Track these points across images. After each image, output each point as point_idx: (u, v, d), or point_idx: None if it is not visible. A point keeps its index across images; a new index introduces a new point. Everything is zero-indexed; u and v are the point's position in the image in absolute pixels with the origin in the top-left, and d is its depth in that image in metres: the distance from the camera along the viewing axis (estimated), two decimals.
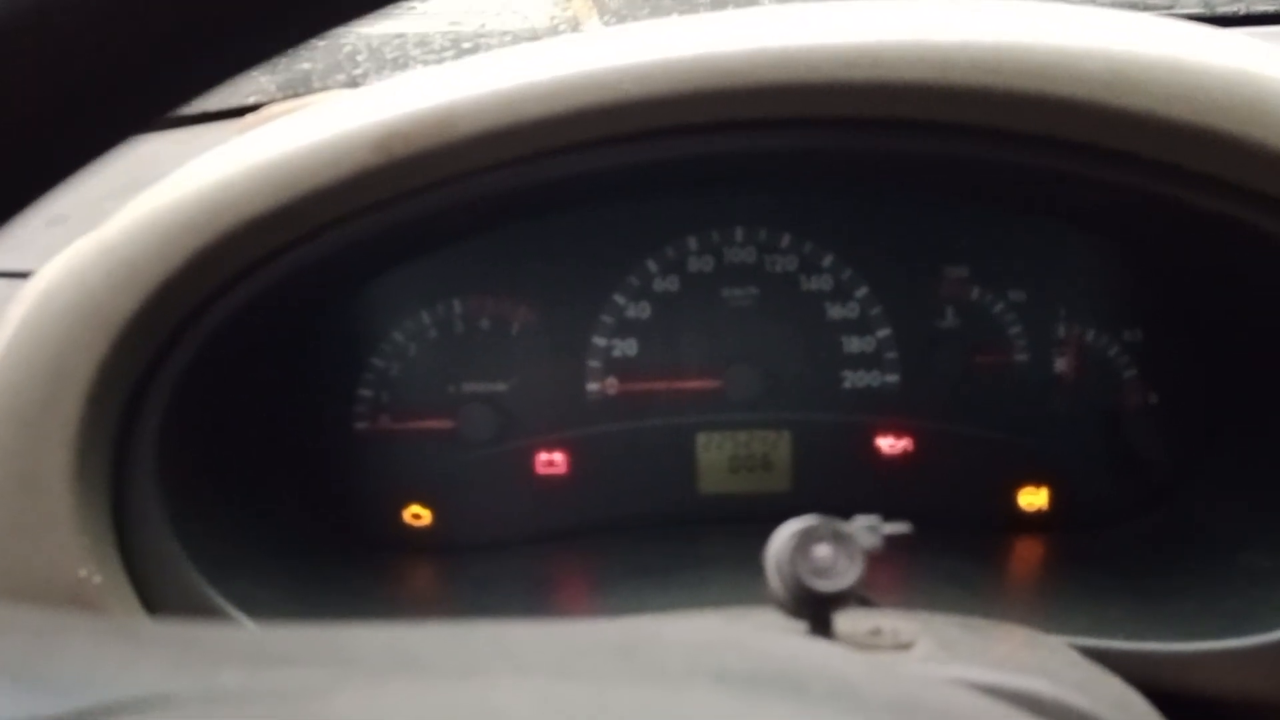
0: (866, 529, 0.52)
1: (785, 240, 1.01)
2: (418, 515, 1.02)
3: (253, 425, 0.94)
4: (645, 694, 0.32)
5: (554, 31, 1.48)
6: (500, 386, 1.02)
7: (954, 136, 0.68)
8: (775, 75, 0.64)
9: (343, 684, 0.30)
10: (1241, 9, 1.24)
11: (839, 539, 0.52)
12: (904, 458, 1.01)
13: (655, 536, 0.99)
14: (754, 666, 0.36)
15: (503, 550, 1.00)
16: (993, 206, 0.97)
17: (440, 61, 1.44)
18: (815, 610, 0.52)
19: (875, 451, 1.02)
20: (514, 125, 0.65)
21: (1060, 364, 1.00)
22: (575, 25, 1.46)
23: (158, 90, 0.30)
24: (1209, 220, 0.73)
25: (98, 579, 0.73)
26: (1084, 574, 0.89)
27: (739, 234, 1.01)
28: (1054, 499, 1.00)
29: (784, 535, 0.53)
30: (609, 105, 0.65)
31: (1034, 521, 1.00)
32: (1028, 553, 0.96)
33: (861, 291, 1.01)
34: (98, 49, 0.28)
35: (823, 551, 0.51)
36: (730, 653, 0.37)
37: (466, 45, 1.44)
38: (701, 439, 1.03)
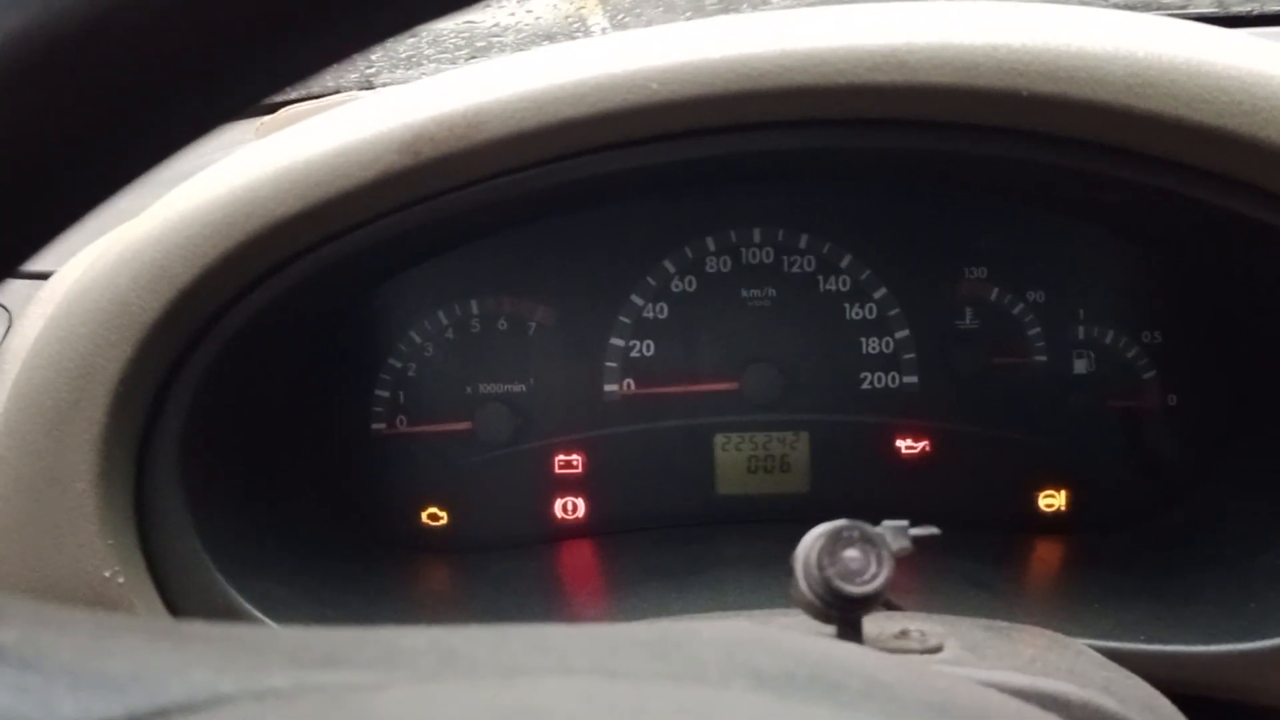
0: (894, 532, 0.52)
1: (803, 241, 1.01)
2: (435, 515, 1.03)
3: (272, 426, 0.94)
4: (686, 693, 0.32)
5: (567, 29, 1.48)
6: (517, 387, 1.03)
7: (978, 137, 0.68)
8: (802, 77, 0.65)
9: (390, 683, 0.30)
10: (1255, 9, 1.24)
11: (867, 542, 0.52)
12: (922, 459, 1.01)
13: (673, 538, 1.00)
14: (790, 667, 0.37)
15: (520, 551, 1.01)
16: (1014, 206, 0.97)
17: (454, 60, 1.44)
18: (844, 613, 0.52)
19: (894, 453, 1.02)
20: (541, 127, 0.65)
21: (1079, 365, 1.00)
22: (584, 23, 1.46)
23: (244, 84, 0.30)
24: (1227, 221, 0.73)
25: (122, 579, 0.73)
26: (1103, 575, 0.89)
27: (757, 235, 1.01)
28: (1073, 500, 1.00)
29: (812, 538, 0.53)
30: (636, 107, 0.65)
31: (1053, 522, 1.00)
32: (1047, 554, 0.96)
33: (880, 292, 1.01)
34: (188, 39, 0.28)
35: (851, 555, 0.52)
36: (765, 653, 0.37)
37: (480, 44, 1.45)
38: (719, 440, 1.03)
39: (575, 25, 1.48)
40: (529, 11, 1.55)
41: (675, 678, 0.35)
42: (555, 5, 1.54)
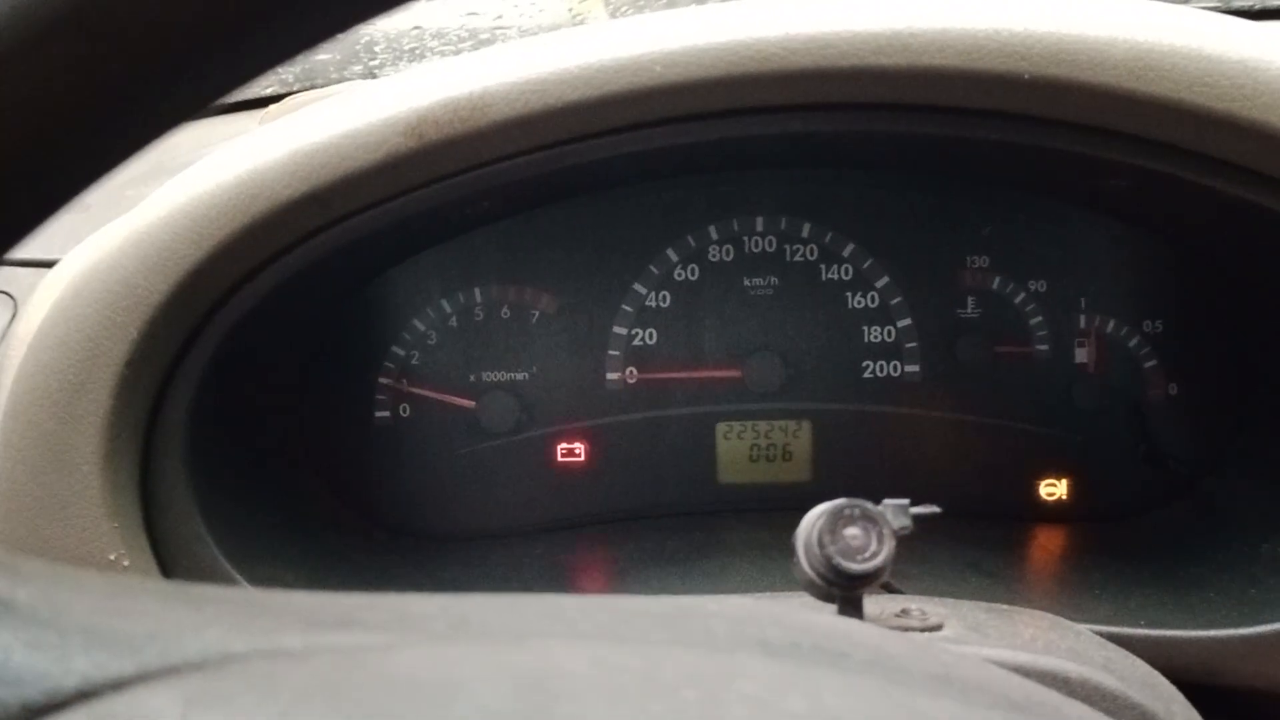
0: (895, 510, 0.53)
1: (805, 229, 1.01)
2: (438, 502, 1.03)
3: (276, 413, 0.94)
4: (695, 658, 0.32)
5: (571, 23, 1.48)
6: (520, 375, 1.03)
7: (981, 121, 0.68)
8: (806, 60, 0.65)
9: (402, 644, 0.30)
10: (1255, 4, 1.25)
11: (868, 520, 0.52)
12: (924, 447, 1.02)
13: (675, 525, 1.00)
14: (796, 637, 0.37)
15: (522, 538, 1.01)
16: (1016, 195, 0.98)
17: (458, 52, 1.44)
18: (845, 591, 0.52)
19: (895, 441, 1.02)
20: (546, 110, 0.65)
21: (1080, 354, 1.01)
22: (585, 19, 1.46)
23: (208, 79, 0.30)
24: (1228, 206, 0.73)
25: (126, 562, 0.74)
26: (1105, 563, 0.89)
27: (759, 223, 1.01)
28: (1075, 489, 1.00)
29: (814, 517, 0.53)
30: (640, 90, 0.65)
31: (1055, 511, 1.00)
32: (1048, 542, 0.97)
33: (882, 281, 1.01)
34: (150, 35, 0.28)
35: (853, 532, 0.52)
36: (772, 625, 0.38)
37: (484, 37, 1.45)
38: (721, 429, 1.03)
39: (579, 19, 1.48)
40: (532, 3, 1.55)
41: (684, 645, 0.35)
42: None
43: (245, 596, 0.31)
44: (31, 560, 0.30)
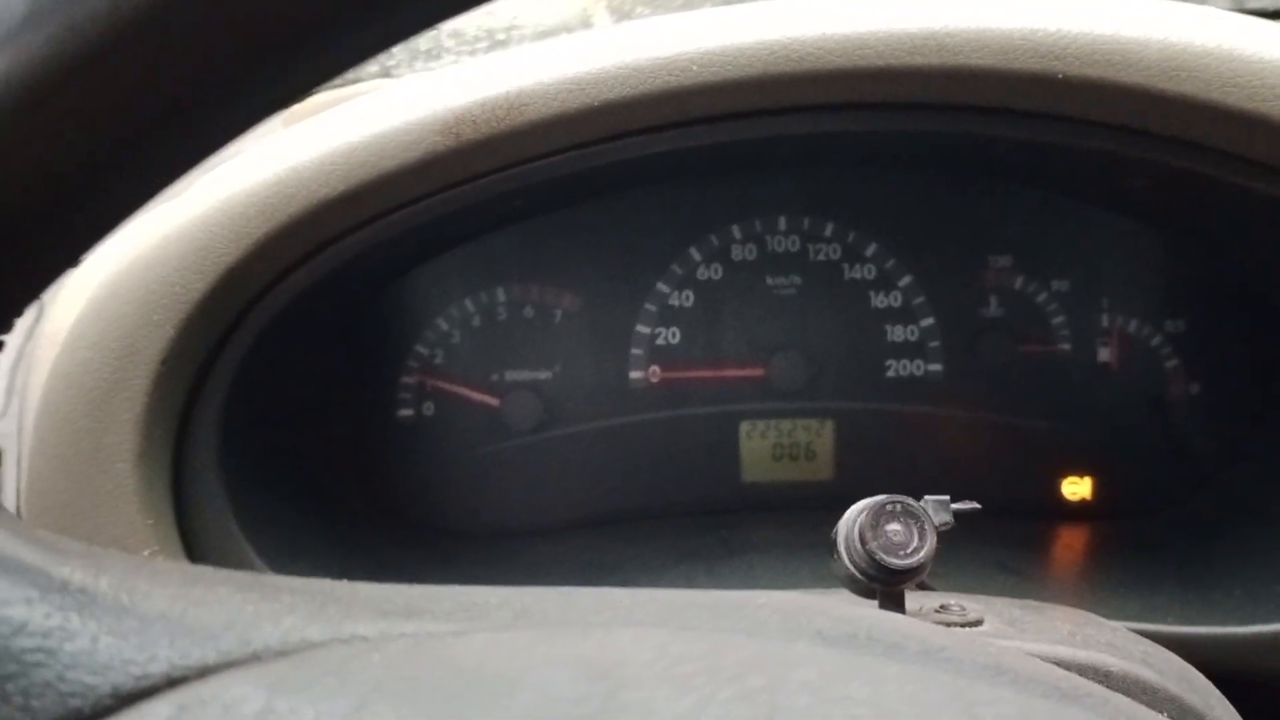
0: (936, 506, 0.53)
1: (829, 229, 1.01)
2: (463, 502, 1.03)
3: (304, 411, 0.95)
4: (756, 645, 0.33)
5: (587, 22, 1.48)
6: (544, 374, 1.03)
7: (1014, 121, 0.69)
8: (841, 60, 0.65)
9: (470, 632, 0.31)
10: (1271, 4, 1.25)
11: (910, 516, 0.53)
12: (946, 446, 1.02)
13: (699, 524, 1.00)
14: (848, 629, 0.37)
15: (546, 536, 1.01)
16: (1039, 194, 0.98)
17: (474, 52, 1.45)
18: (886, 586, 0.53)
19: (918, 440, 1.02)
20: (583, 109, 0.66)
21: (1103, 353, 1.01)
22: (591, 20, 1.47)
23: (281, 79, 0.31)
24: (1256, 205, 0.73)
25: (160, 558, 0.74)
26: (1130, 560, 0.89)
27: (782, 222, 1.02)
28: (1098, 487, 1.01)
29: (855, 513, 0.53)
30: (677, 89, 0.66)
31: (1078, 510, 1.00)
32: (1073, 540, 0.97)
33: (905, 280, 1.01)
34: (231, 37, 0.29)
35: (894, 528, 0.52)
36: (822, 617, 0.38)
37: (500, 37, 1.45)
38: (745, 427, 1.03)
39: (595, 20, 1.48)
40: (548, 5, 1.56)
41: (742, 634, 0.35)
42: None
43: (315, 586, 0.32)
44: (110, 550, 0.31)
